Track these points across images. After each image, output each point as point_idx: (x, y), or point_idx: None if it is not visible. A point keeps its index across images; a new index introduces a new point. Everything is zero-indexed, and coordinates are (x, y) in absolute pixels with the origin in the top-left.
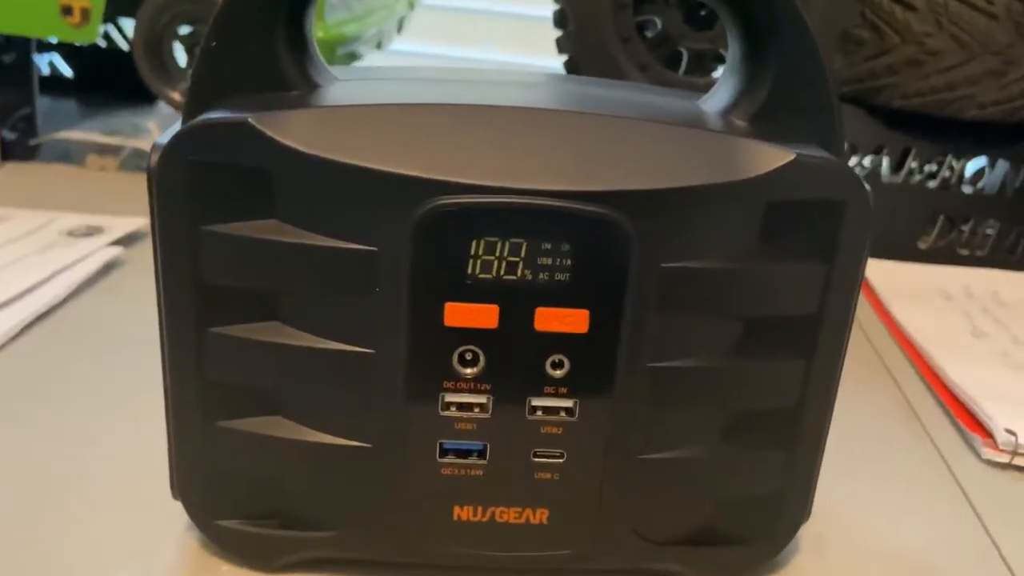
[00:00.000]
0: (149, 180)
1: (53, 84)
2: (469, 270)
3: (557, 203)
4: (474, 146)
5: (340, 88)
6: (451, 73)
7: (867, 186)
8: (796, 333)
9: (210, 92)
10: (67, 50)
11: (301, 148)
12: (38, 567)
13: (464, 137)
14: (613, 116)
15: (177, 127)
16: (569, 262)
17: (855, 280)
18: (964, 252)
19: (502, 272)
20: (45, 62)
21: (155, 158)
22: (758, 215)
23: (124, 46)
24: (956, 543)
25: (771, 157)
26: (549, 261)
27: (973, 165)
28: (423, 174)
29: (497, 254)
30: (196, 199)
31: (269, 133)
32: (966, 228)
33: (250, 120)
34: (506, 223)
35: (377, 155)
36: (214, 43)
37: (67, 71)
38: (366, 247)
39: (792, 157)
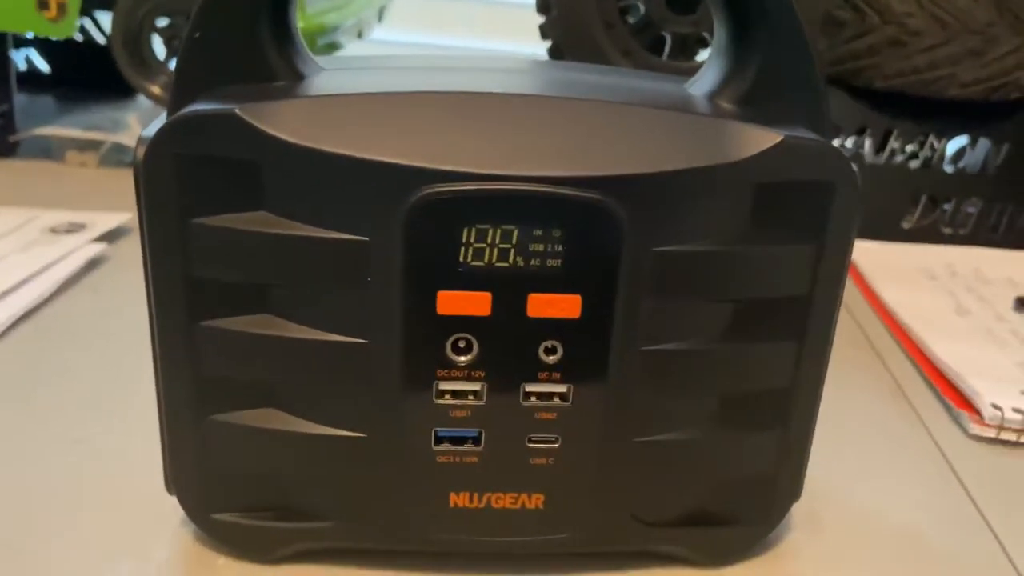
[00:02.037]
0: (136, 173)
1: (30, 80)
2: (461, 258)
3: (548, 189)
4: (464, 133)
5: (326, 78)
6: (437, 61)
7: (855, 166)
8: (787, 314)
9: (194, 84)
10: (43, 45)
11: (289, 139)
12: (31, 566)
13: (453, 125)
14: (602, 101)
15: (162, 120)
16: (561, 248)
17: (844, 260)
18: (947, 231)
19: (494, 259)
20: (22, 57)
21: (141, 151)
22: (748, 197)
23: (101, 40)
24: (945, 517)
25: (759, 139)
26: (541, 247)
27: (954, 144)
28: (413, 163)
29: (489, 241)
30: (183, 192)
31: (257, 124)
32: (949, 207)
33: (237, 111)
34: (497, 210)
35: (366, 145)
36: (197, 34)
37: (44, 66)
38: (357, 237)
39: (780, 139)
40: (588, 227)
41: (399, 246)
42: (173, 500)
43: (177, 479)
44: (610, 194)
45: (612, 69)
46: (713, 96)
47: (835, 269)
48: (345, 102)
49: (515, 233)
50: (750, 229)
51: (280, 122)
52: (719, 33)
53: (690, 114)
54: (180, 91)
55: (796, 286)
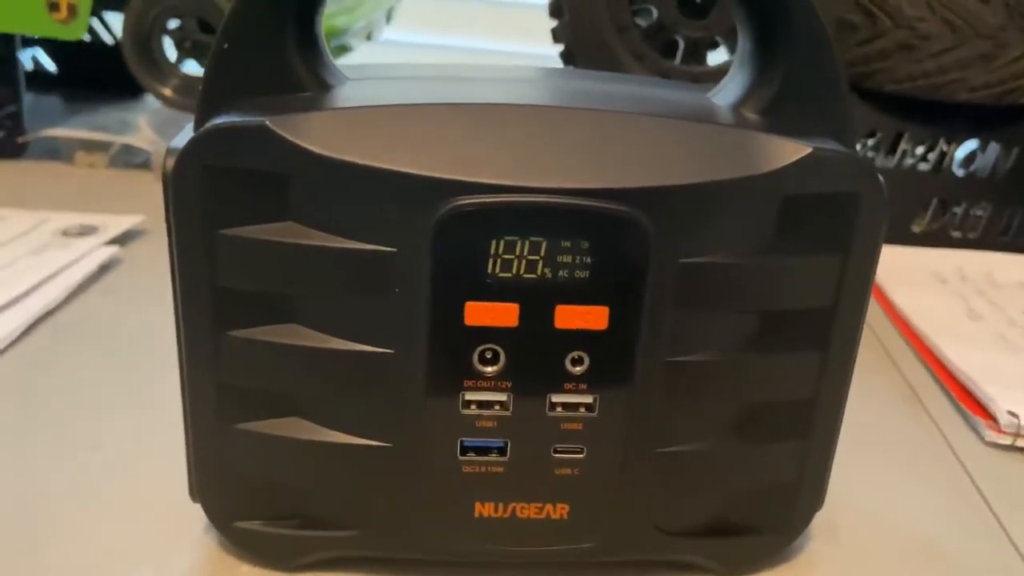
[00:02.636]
0: (164, 184)
1: (37, 79)
2: (489, 269)
3: (575, 201)
4: (492, 145)
5: (352, 88)
6: (459, 70)
7: (881, 178)
8: (811, 325)
9: (222, 94)
10: (51, 45)
11: (319, 151)
12: (55, 572)
13: (481, 136)
14: (628, 113)
15: (189, 131)
16: (588, 259)
17: (869, 271)
18: (957, 235)
19: (522, 271)
20: (28, 57)
21: (170, 162)
22: (774, 209)
23: (109, 40)
24: (963, 525)
25: (787, 151)
26: (569, 259)
27: (965, 148)
28: (442, 175)
29: (517, 253)
30: (212, 203)
31: (287, 136)
32: (959, 210)
33: (268, 123)
34: (525, 222)
35: (395, 156)
36: (225, 46)
37: (51, 66)
38: (385, 248)
39: (808, 151)
40: (615, 239)
41: (427, 257)
42: (196, 507)
43: (201, 487)
44: (637, 206)
45: (632, 78)
46: (737, 106)
47: (860, 280)
48: (374, 114)
49: (543, 245)
50: (776, 240)
51: (310, 134)
52: (743, 42)
53: (717, 125)
54: (208, 102)
55: (821, 297)
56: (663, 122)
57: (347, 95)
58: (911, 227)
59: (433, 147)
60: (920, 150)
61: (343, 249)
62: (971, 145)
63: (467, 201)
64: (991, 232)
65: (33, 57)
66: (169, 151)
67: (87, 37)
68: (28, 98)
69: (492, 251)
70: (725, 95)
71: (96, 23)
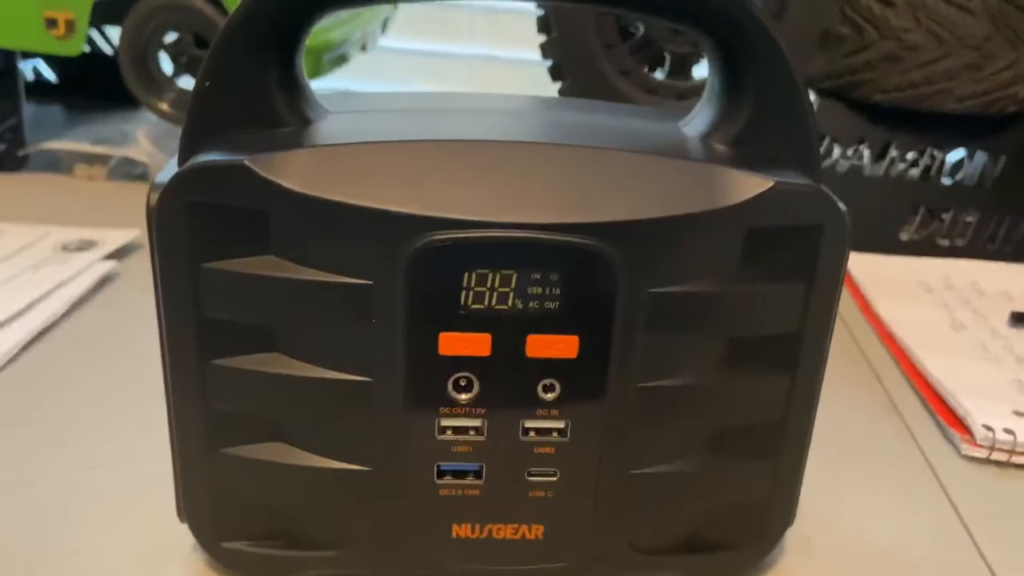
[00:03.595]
0: (148, 219)
1: (37, 89)
2: (462, 301)
3: (545, 236)
4: (464, 181)
5: (332, 123)
6: (436, 101)
7: (843, 207)
8: (779, 349)
9: (205, 130)
10: (52, 56)
11: (297, 188)
12: None
13: (454, 173)
14: (597, 148)
15: (173, 166)
16: (558, 291)
17: (833, 297)
18: (944, 243)
19: (494, 302)
20: (29, 67)
21: (154, 198)
22: (739, 240)
23: (108, 50)
24: (936, 539)
25: (751, 185)
26: (539, 290)
27: (952, 157)
28: (415, 211)
29: (488, 285)
30: (195, 237)
31: (265, 175)
32: (946, 218)
33: (247, 162)
34: (497, 256)
35: (370, 193)
36: (207, 83)
37: (51, 76)
38: (361, 281)
39: (771, 184)
40: (585, 271)
41: (402, 290)
42: (183, 528)
43: (189, 508)
44: (606, 240)
45: (609, 106)
46: (706, 137)
47: (825, 306)
48: (349, 152)
49: (514, 277)
50: (742, 270)
51: (287, 172)
52: (712, 77)
53: (684, 160)
54: (191, 137)
55: (788, 323)
56: (632, 157)
57: (326, 131)
58: (899, 235)
59: (407, 183)
60: (909, 158)
61: (321, 282)
62: (959, 154)
63: (440, 236)
64: (979, 239)
65: (34, 68)
66: (153, 186)
67: (87, 48)
68: (29, 108)
69: (465, 283)
70: (695, 125)
71: (95, 34)
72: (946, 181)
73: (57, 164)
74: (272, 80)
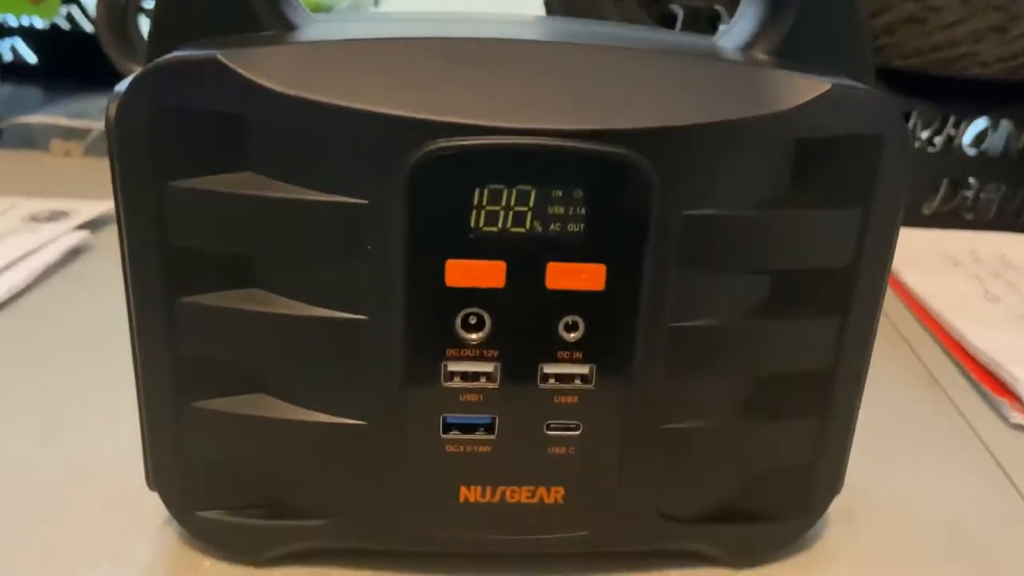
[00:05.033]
0: (108, 133)
1: (16, 70)
2: (472, 223)
3: (569, 143)
4: (475, 82)
5: (318, 27)
6: (439, 14)
7: (904, 120)
8: (829, 287)
9: (173, 34)
10: (30, 35)
11: (278, 88)
12: (4, 570)
13: (463, 73)
14: (627, 48)
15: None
16: (583, 211)
17: (894, 226)
18: (969, 216)
19: (509, 224)
20: (7, 47)
21: (113, 108)
22: (789, 154)
23: (89, 28)
24: (990, 510)
25: (802, 88)
26: (561, 210)
27: (975, 127)
28: (417, 114)
29: (503, 203)
30: (161, 151)
31: (242, 71)
32: (970, 192)
33: (219, 56)
34: (512, 168)
35: (364, 94)
36: None
37: (31, 57)
38: (354, 200)
39: (827, 87)
40: (614, 187)
41: (402, 209)
42: (155, 497)
43: (158, 474)
44: (639, 149)
45: (630, 25)
46: (746, 48)
47: (884, 235)
48: (341, 48)
49: (532, 194)
50: (790, 190)
51: (268, 69)
52: None
53: (725, 61)
54: (157, 42)
55: (841, 255)
56: (665, 58)
57: (313, 33)
58: (921, 209)
59: (407, 84)
60: (933, 126)
61: (308, 202)
62: (982, 124)
63: (446, 144)
64: (1004, 213)
65: (12, 47)
66: (112, 95)
67: (66, 25)
68: (6, 88)
69: (475, 202)
70: (732, 37)
71: (76, 11)
72: (969, 152)
73: (32, 140)
74: None
